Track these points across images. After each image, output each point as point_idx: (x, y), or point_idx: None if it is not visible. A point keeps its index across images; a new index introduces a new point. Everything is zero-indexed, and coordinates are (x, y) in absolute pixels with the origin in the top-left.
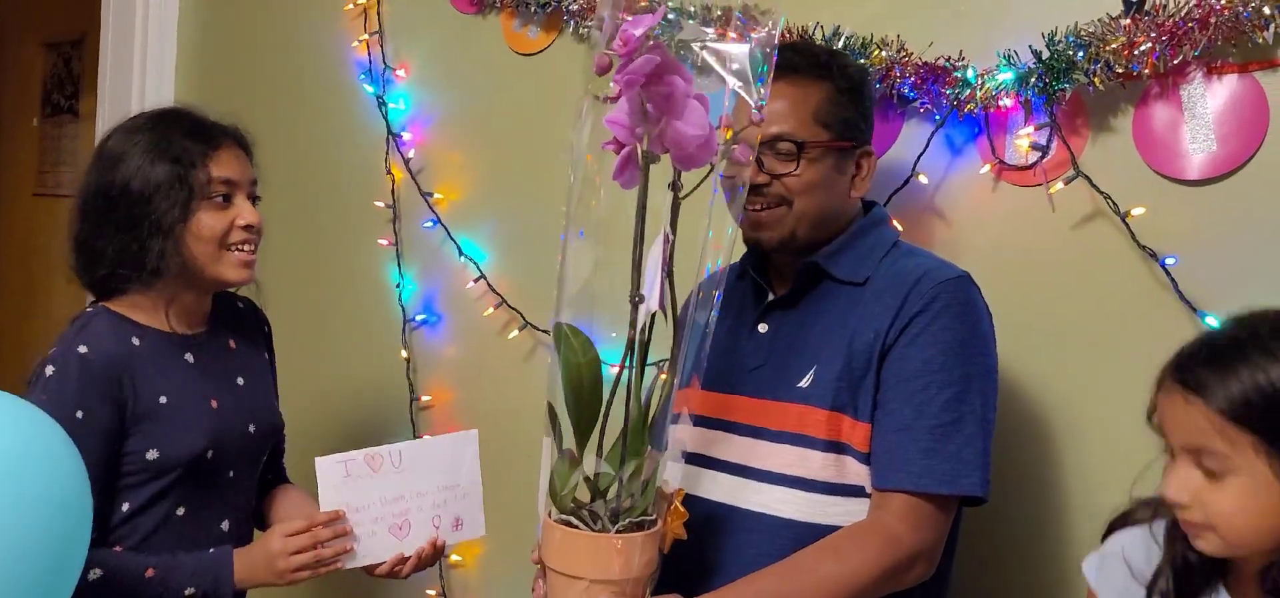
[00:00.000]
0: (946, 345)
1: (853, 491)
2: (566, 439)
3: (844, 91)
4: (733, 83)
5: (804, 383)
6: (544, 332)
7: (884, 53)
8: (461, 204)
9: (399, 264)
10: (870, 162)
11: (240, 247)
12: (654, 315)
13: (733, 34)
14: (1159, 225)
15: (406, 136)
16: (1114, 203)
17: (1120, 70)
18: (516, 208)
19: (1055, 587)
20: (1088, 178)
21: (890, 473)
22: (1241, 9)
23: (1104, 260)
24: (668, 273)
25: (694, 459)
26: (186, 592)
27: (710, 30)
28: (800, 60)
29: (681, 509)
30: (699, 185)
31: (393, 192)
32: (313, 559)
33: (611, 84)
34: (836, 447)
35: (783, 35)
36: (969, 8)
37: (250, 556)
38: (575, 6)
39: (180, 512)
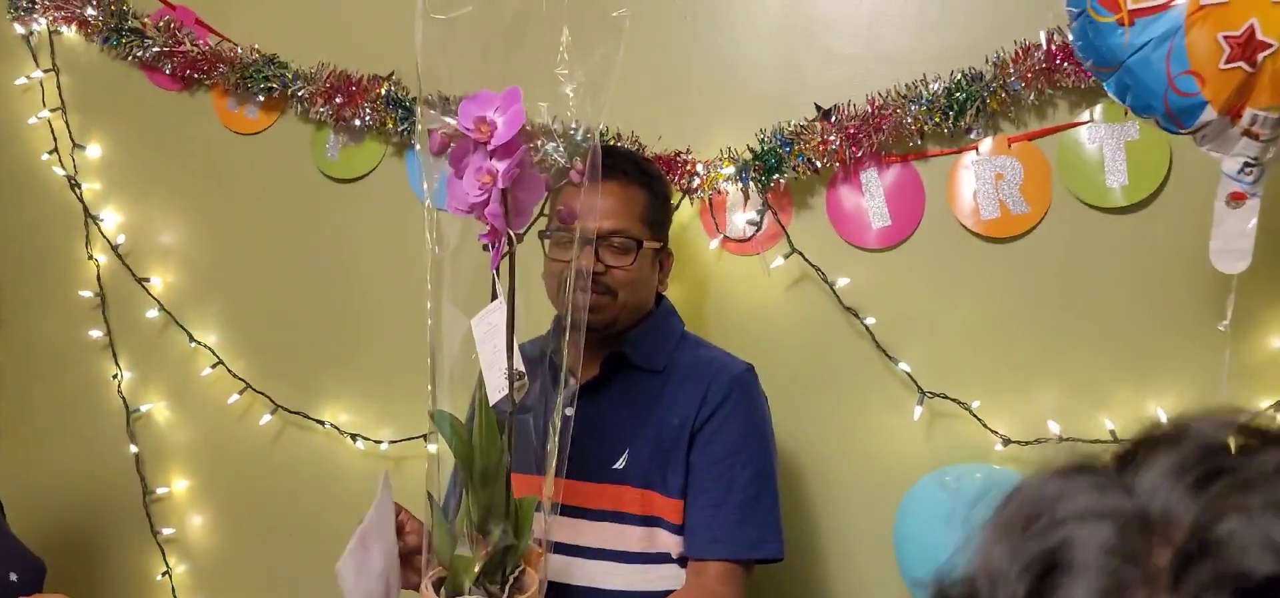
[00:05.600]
0: (744, 431)
1: (662, 557)
2: (462, 526)
3: (658, 197)
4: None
5: (619, 465)
6: (295, 413)
7: (620, 144)
8: (184, 287)
9: (114, 355)
10: (670, 261)
11: None
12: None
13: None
14: (855, 287)
15: (105, 220)
16: (823, 273)
17: (818, 164)
18: (248, 288)
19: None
20: (801, 253)
21: (708, 544)
22: (902, 116)
23: (814, 317)
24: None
25: None
26: None
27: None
28: (628, 166)
29: (538, 550)
30: (521, 238)
31: (98, 279)
32: None
33: (482, 178)
34: (649, 521)
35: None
36: (689, 106)
37: None
38: (303, 93)
39: None
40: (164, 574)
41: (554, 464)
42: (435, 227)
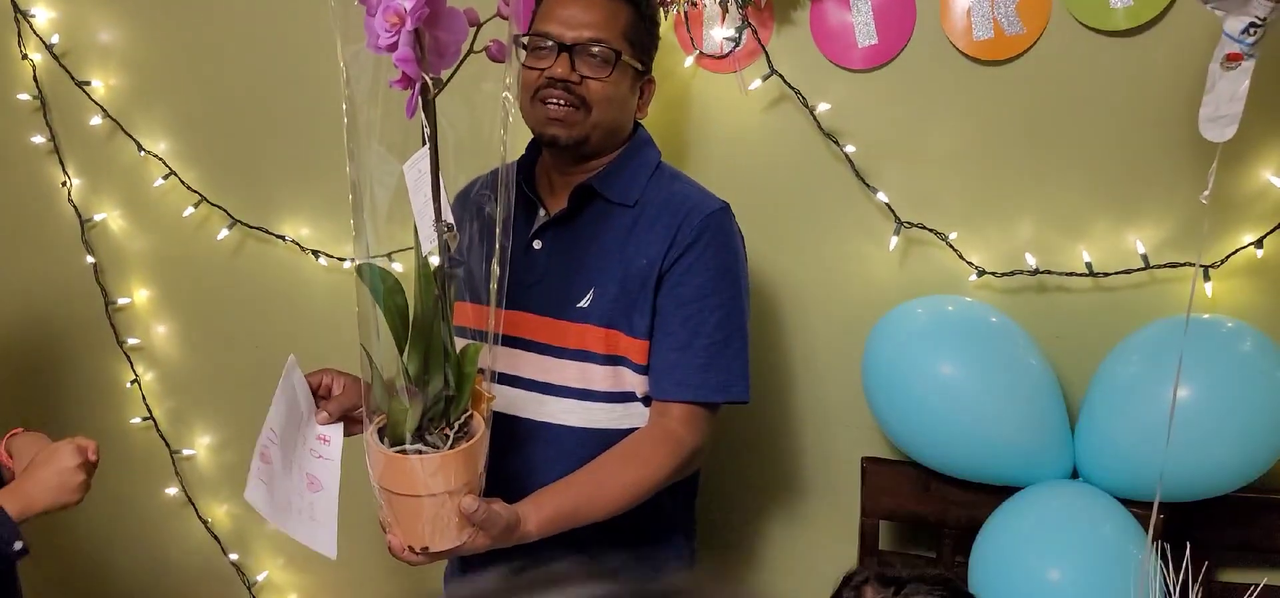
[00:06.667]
0: (715, 274)
1: (626, 396)
2: (398, 379)
3: (644, 18)
4: None
5: (584, 303)
6: (254, 227)
7: None
8: (129, 90)
9: (62, 162)
10: (652, 89)
11: None
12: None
13: None
14: (835, 110)
15: (36, 16)
16: (803, 97)
17: None
18: (198, 93)
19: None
20: (781, 76)
21: (672, 386)
22: None
23: (792, 140)
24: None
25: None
26: None
27: None
28: None
29: (483, 392)
30: (447, 82)
31: (36, 80)
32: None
33: (390, 18)
34: (613, 360)
35: None
36: None
37: (30, 482)
38: None
39: None
40: (133, 382)
41: (494, 295)
42: (348, 65)
